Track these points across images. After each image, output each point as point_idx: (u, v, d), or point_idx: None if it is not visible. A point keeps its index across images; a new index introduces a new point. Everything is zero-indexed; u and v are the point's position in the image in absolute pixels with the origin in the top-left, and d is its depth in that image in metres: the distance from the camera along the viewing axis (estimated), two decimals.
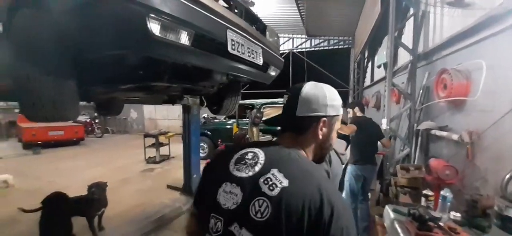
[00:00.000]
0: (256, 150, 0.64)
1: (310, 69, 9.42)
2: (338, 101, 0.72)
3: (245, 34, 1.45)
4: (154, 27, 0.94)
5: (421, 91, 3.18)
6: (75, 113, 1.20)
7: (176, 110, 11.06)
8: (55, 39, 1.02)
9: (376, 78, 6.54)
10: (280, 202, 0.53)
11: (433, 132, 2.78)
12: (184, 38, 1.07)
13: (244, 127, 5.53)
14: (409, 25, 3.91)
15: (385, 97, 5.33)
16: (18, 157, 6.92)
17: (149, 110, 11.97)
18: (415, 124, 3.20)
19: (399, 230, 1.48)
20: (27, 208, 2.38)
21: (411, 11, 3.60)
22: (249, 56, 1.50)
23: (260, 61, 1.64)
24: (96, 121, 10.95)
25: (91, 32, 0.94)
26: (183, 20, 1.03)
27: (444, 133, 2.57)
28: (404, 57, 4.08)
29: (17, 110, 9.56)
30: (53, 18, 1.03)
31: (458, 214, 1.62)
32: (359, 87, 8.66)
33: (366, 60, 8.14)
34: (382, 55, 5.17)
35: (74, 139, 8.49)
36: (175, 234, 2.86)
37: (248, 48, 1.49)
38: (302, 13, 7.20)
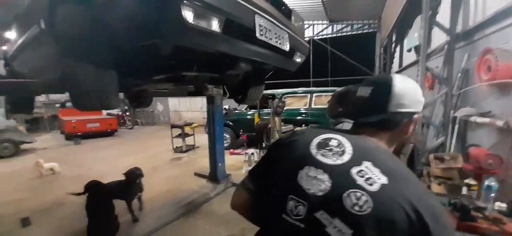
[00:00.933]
0: (339, 137, 0.61)
1: (332, 57, 9.09)
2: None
3: (272, 19, 1.44)
4: (188, 15, 0.97)
5: (459, 74, 2.92)
6: (116, 102, 1.30)
7: (198, 102, 11.39)
8: (95, 32, 1.10)
9: (405, 63, 6.13)
10: (381, 199, 0.50)
11: (472, 119, 2.56)
12: (215, 25, 1.09)
13: (265, 117, 5.55)
14: (445, 3, 3.57)
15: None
16: (61, 147, 7.66)
17: (173, 102, 12.49)
18: (452, 111, 2.97)
19: None
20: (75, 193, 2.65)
21: None
22: (276, 42, 1.49)
23: (286, 47, 1.62)
24: (127, 114, 11.72)
25: (127, 23, 1.00)
26: (214, 6, 1.05)
27: (486, 120, 2.35)
28: (438, 38, 3.75)
29: (58, 105, 10.57)
30: (93, 11, 1.11)
31: (504, 205, 1.50)
32: (386, 73, 8.18)
33: (394, 44, 7.62)
34: (413, 38, 4.83)
35: (108, 130, 9.19)
36: (204, 218, 3.01)
37: (275, 33, 1.48)
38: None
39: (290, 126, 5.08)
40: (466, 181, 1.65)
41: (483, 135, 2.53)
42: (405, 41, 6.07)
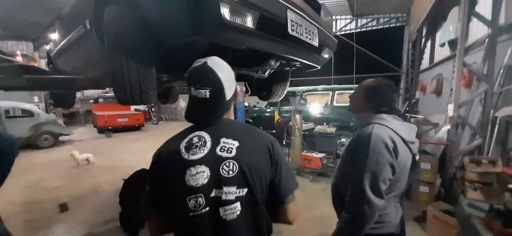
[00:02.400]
0: (197, 133, 0.77)
1: (356, 53, 8.74)
2: None
3: (303, 14, 1.43)
4: (225, 11, 1.00)
5: (501, 71, 2.69)
6: (154, 98, 1.38)
7: None
8: (139, 31, 1.18)
9: (437, 59, 5.73)
10: (240, 156, 0.73)
11: None
12: (249, 21, 1.11)
13: (285, 115, 5.52)
14: None
15: (450, 80, 4.70)
16: (95, 139, 8.26)
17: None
18: (492, 111, 2.74)
19: (478, 226, 1.33)
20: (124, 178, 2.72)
21: None
22: (307, 37, 1.48)
23: (316, 42, 1.60)
24: (153, 110, 12.32)
25: (169, 21, 1.05)
26: (250, 2, 1.07)
27: None
28: (477, 31, 3.46)
29: (91, 101, 11.41)
30: (137, 11, 1.18)
31: None
32: (415, 70, 7.73)
33: (423, 39, 7.16)
34: (448, 31, 4.50)
35: (136, 125, 9.75)
36: None
37: (306, 28, 1.47)
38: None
39: (311, 124, 5.00)
40: (510, 186, 1.52)
41: None
42: (438, 35, 5.68)
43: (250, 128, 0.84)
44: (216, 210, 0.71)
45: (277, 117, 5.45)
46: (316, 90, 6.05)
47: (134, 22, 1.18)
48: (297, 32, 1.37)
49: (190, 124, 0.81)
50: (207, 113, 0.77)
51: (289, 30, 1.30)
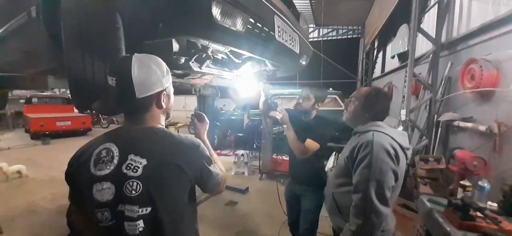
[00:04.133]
0: (108, 145, 0.74)
1: (319, 60, 9.30)
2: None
3: (287, 21, 1.41)
4: (216, 11, 0.90)
5: (443, 81, 3.13)
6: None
7: (181, 101, 11.00)
8: (110, 22, 0.98)
9: (387, 68, 6.45)
10: (146, 175, 0.71)
11: (456, 123, 2.75)
12: (239, 24, 1.03)
13: (253, 118, 5.52)
14: (429, 14, 3.82)
15: (397, 88, 5.32)
16: (27, 147, 6.95)
17: None
18: (435, 116, 3.17)
19: (440, 220, 1.47)
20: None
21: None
22: (290, 43, 1.46)
23: (297, 49, 1.60)
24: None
25: (153, 16, 0.90)
26: (240, 4, 0.99)
27: (469, 125, 2.54)
28: (421, 47, 4.00)
29: (22, 101, 9.58)
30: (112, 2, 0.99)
31: (495, 204, 1.62)
32: (368, 78, 8.57)
33: (376, 51, 8.01)
34: (397, 45, 5.10)
35: (82, 129, 8.50)
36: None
37: (289, 35, 1.45)
38: (312, 3, 7.03)
39: (280, 127, 5.10)
40: (462, 182, 1.75)
41: (465, 138, 2.73)
42: (389, 48, 6.40)
43: (167, 140, 0.77)
44: (122, 223, 0.72)
45: (246, 120, 5.40)
46: (283, 94, 6.21)
47: (104, 11, 0.98)
48: (282, 38, 1.33)
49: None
50: (111, 102, 0.75)
51: (276, 35, 1.26)
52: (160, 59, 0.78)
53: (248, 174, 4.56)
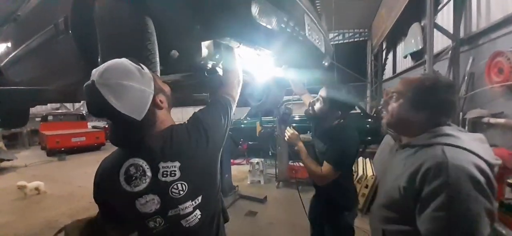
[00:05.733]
0: (132, 160, 0.71)
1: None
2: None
3: (314, 19, 1.38)
4: (255, 10, 0.88)
5: (466, 78, 3.02)
6: None
7: (176, 114, 11.02)
8: (145, 27, 0.96)
9: (399, 69, 6.34)
10: (185, 174, 0.72)
11: (485, 120, 2.62)
12: (274, 22, 1.00)
13: (266, 125, 5.46)
14: (443, 11, 3.74)
15: None
16: (44, 164, 7.07)
17: (175, 112, 12.04)
18: (460, 113, 3.05)
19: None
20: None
21: None
22: (318, 43, 1.42)
23: (323, 49, 1.56)
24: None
25: (187, 19, 0.88)
26: (277, 1, 0.96)
27: (501, 120, 2.42)
28: (436, 44, 3.91)
29: (38, 119, 9.85)
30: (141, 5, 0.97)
31: None
32: (378, 79, 8.44)
33: (385, 52, 7.91)
34: (410, 44, 5.01)
35: (95, 144, 8.62)
36: None
37: (317, 34, 1.41)
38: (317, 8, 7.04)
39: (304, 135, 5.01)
40: (510, 180, 1.63)
41: (496, 135, 2.60)
42: (400, 48, 6.32)
43: (186, 135, 0.77)
44: (178, 223, 0.74)
45: (258, 127, 5.35)
46: (294, 99, 6.16)
47: (135, 16, 0.97)
48: (312, 37, 1.30)
49: None
50: (123, 135, 0.73)
51: (307, 34, 1.22)
52: (122, 66, 0.68)
53: (264, 182, 4.47)
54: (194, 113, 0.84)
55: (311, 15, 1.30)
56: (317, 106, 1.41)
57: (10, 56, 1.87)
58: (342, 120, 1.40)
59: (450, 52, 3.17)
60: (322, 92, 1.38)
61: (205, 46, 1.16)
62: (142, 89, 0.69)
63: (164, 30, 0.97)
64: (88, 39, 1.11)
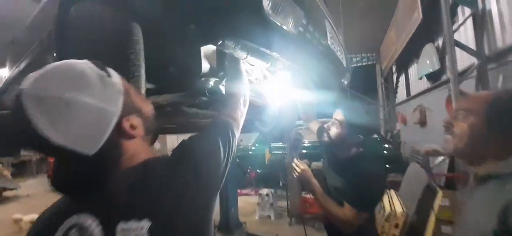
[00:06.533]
0: (77, 218, 0.47)
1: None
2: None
3: (334, 27, 1.18)
4: (267, 4, 0.68)
5: None
6: None
7: (173, 140, 10.85)
8: (130, 38, 0.78)
9: (414, 91, 6.05)
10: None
11: None
12: (291, 23, 0.80)
13: (276, 152, 5.16)
14: (459, 29, 3.57)
15: (432, 111, 4.86)
16: (47, 193, 6.86)
17: (171, 139, 11.94)
18: None
19: None
20: None
21: (466, 11, 3.29)
22: (339, 54, 1.21)
23: (344, 62, 1.34)
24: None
25: (185, 16, 0.69)
26: None
27: None
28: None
29: None
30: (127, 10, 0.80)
31: None
32: (390, 102, 8.13)
33: (396, 74, 7.70)
34: (424, 65, 4.78)
35: None
36: None
37: (338, 45, 1.21)
38: None
39: (306, 160, 4.67)
40: None
41: None
42: (412, 70, 6.11)
43: (156, 167, 0.54)
44: None
45: (268, 155, 5.05)
46: (302, 124, 5.89)
47: (118, 21, 0.79)
48: (333, 47, 1.09)
49: None
50: (65, 178, 0.49)
51: (329, 42, 1.02)
52: (72, 70, 0.47)
53: (274, 217, 4.05)
54: (183, 141, 0.62)
55: (331, 22, 1.10)
56: (334, 131, 1.17)
57: (4, 79, 1.77)
58: (360, 149, 1.14)
59: (475, 70, 2.92)
60: (338, 115, 1.17)
61: (206, 59, 0.97)
62: (100, 108, 0.46)
63: (152, 35, 0.78)
64: (68, 52, 0.94)
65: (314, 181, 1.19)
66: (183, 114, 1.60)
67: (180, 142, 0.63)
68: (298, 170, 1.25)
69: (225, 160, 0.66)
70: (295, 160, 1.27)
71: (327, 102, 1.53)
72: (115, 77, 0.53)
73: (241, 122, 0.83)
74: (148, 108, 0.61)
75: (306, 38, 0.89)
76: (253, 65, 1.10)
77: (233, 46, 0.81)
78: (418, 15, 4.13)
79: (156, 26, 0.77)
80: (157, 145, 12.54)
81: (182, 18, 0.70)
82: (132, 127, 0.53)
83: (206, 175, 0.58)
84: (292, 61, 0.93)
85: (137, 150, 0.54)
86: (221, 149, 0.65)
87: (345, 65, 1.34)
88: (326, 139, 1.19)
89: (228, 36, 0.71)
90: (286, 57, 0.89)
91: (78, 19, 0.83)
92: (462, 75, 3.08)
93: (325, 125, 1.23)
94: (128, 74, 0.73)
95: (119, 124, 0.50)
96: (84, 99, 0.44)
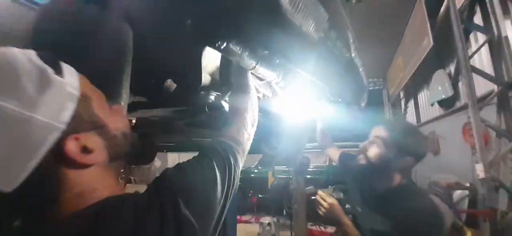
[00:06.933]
0: None
1: None
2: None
3: (355, 40, 1.04)
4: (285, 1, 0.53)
5: None
6: None
7: (174, 159, 10.58)
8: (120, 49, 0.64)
9: (424, 118, 5.86)
10: None
11: None
12: (312, 27, 0.64)
13: (281, 175, 4.89)
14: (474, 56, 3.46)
15: (445, 139, 4.63)
16: None
17: (173, 157, 11.66)
18: None
19: None
20: None
21: (478, 37, 3.20)
22: (361, 69, 1.06)
23: (364, 78, 1.19)
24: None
25: (179, 10, 0.55)
26: None
27: None
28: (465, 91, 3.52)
29: None
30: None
31: None
32: None
33: (404, 100, 7.55)
34: (436, 91, 4.63)
35: None
36: None
37: (359, 59, 1.06)
38: None
39: (311, 187, 4.38)
40: None
41: None
42: (421, 96, 5.98)
43: (115, 213, 0.36)
44: None
45: (271, 179, 4.78)
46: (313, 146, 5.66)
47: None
48: (357, 61, 0.94)
49: None
50: None
51: (353, 53, 0.87)
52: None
53: None
54: (165, 172, 0.46)
55: (353, 34, 0.96)
56: (374, 151, 0.91)
57: None
58: (404, 180, 0.92)
59: (496, 97, 2.75)
60: (381, 131, 0.93)
61: (207, 69, 0.82)
62: (27, 119, 0.30)
63: (141, 34, 0.64)
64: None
65: (346, 220, 0.98)
66: (180, 131, 1.43)
67: (162, 173, 0.46)
68: (325, 204, 1.04)
69: (223, 198, 0.49)
70: (320, 192, 1.06)
71: (346, 124, 1.35)
72: (69, 76, 0.37)
73: (247, 147, 0.67)
74: (119, 124, 0.44)
75: (327, 46, 0.74)
76: (262, 79, 0.95)
77: (239, 51, 0.66)
78: (428, 42, 4.05)
79: (144, 20, 0.62)
80: (157, 162, 12.21)
81: (175, 11, 0.56)
82: (86, 150, 0.36)
83: (195, 222, 0.40)
84: (309, 73, 0.77)
85: (91, 185, 0.37)
86: (219, 183, 0.48)
87: (365, 81, 1.19)
88: (362, 162, 0.94)
89: (234, 37, 0.56)
90: (303, 68, 0.74)
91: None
92: (480, 101, 2.91)
93: (362, 145, 0.97)
94: (103, 80, 0.57)
95: (60, 145, 0.32)
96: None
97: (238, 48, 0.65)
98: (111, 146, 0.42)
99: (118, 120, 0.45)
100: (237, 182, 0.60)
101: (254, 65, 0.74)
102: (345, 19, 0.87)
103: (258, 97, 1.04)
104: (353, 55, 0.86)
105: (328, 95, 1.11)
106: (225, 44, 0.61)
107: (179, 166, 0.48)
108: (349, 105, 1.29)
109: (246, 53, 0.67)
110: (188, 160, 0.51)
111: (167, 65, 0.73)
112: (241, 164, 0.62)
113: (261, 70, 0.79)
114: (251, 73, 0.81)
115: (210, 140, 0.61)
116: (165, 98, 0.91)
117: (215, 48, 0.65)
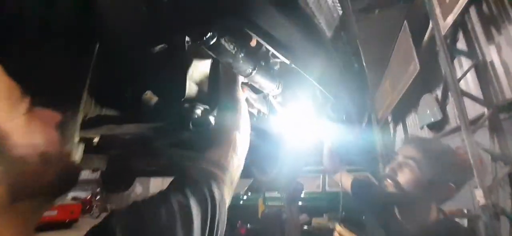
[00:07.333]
0: None
1: None
2: None
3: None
4: None
5: None
6: None
7: (157, 185, 10.05)
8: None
9: None
10: None
11: None
12: (323, 20, 0.52)
13: (272, 203, 4.61)
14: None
15: None
16: None
17: (156, 183, 11.00)
18: None
19: None
20: None
21: (463, 62, 3.30)
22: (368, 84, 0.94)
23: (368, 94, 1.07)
24: (97, 197, 9.90)
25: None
26: None
27: None
28: (454, 114, 3.57)
29: None
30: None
31: None
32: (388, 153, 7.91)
33: (392, 124, 7.67)
34: (425, 115, 4.70)
35: (67, 220, 7.38)
36: None
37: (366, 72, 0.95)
38: None
39: (304, 215, 4.13)
40: None
41: None
42: (410, 120, 6.08)
43: None
44: None
45: (261, 206, 4.49)
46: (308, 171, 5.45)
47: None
48: (366, 72, 0.82)
49: None
50: None
51: (363, 62, 0.75)
52: None
53: None
54: (110, 218, 0.32)
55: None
56: (407, 176, 0.71)
57: None
58: (441, 215, 0.75)
59: (487, 120, 2.76)
60: (412, 152, 0.73)
61: (192, 78, 0.68)
62: None
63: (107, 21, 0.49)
64: None
65: None
66: (158, 153, 1.23)
67: (105, 218, 0.29)
68: None
69: None
70: (337, 226, 0.86)
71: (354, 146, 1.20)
72: None
73: (237, 176, 0.51)
74: (35, 139, 0.27)
75: (338, 48, 0.61)
76: (258, 92, 0.81)
77: (234, 51, 0.52)
78: (414, 67, 4.18)
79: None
80: (138, 188, 11.48)
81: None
82: None
83: None
84: (315, 80, 0.63)
85: None
86: (196, 229, 0.31)
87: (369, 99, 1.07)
88: (390, 190, 0.74)
89: (228, 21, 0.42)
90: (309, 70, 0.60)
91: None
92: (471, 125, 2.91)
93: (388, 168, 0.77)
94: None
95: None
96: None
97: (232, 46, 0.51)
98: (12, 176, 0.24)
99: (37, 131, 0.28)
100: (224, 222, 0.44)
101: (251, 71, 0.60)
102: (354, 23, 0.77)
103: (253, 114, 0.88)
104: (364, 65, 0.75)
105: (330, 111, 0.98)
106: (215, 39, 0.47)
107: (134, 207, 0.31)
108: (352, 124, 1.16)
109: (242, 54, 0.53)
110: (151, 197, 0.34)
111: (140, 67, 0.57)
112: (228, 200, 0.45)
113: (258, 79, 0.65)
114: (247, 81, 0.67)
115: (189, 165, 0.44)
116: (141, 111, 0.74)
117: (202, 43, 0.51)
